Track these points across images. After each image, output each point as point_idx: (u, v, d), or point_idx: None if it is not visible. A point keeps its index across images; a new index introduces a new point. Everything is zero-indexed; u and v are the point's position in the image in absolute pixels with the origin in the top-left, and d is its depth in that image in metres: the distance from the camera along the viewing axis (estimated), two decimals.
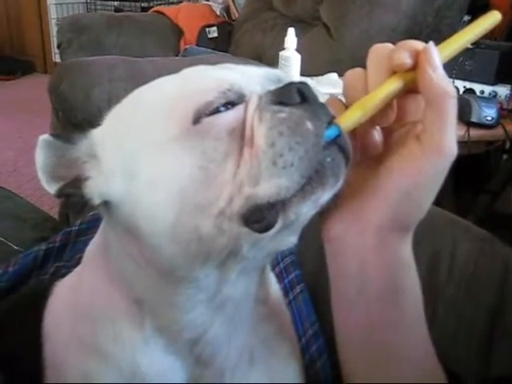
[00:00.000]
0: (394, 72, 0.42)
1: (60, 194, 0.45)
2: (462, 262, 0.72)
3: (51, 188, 0.45)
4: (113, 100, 0.47)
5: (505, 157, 1.84)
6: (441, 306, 0.69)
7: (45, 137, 0.45)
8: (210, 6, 2.95)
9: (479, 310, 0.69)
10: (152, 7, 3.19)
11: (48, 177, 0.45)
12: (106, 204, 0.45)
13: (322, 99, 0.45)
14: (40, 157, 0.45)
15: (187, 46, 2.40)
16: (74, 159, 0.46)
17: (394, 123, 0.44)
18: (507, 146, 1.78)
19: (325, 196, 0.42)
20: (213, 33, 2.65)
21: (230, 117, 0.42)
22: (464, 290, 0.70)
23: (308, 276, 0.70)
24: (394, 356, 0.46)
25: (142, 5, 4.02)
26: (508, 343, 0.66)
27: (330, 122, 0.42)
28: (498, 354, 0.66)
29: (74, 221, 0.77)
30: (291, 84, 0.43)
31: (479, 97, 1.56)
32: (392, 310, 0.45)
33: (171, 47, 2.57)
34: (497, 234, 0.76)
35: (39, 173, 0.45)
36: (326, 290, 0.48)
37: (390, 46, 0.44)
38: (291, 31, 1.56)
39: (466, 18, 2.04)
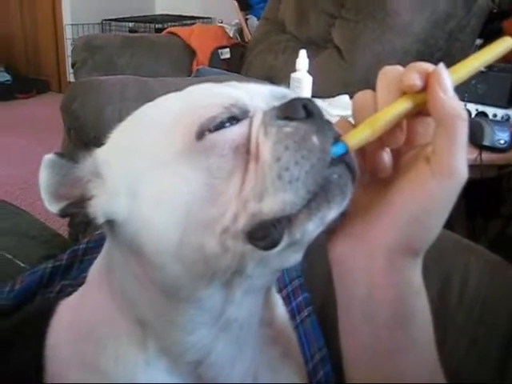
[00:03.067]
0: (403, 93, 0.42)
1: (63, 213, 0.45)
2: (474, 286, 0.71)
3: (53, 207, 0.45)
4: (124, 119, 0.47)
5: None
6: (452, 329, 0.68)
7: (49, 156, 0.45)
8: (223, 27, 2.98)
9: (492, 334, 0.68)
10: (166, 28, 3.23)
11: (50, 196, 0.45)
12: (110, 223, 0.45)
13: (334, 121, 0.44)
14: (43, 176, 0.45)
15: (199, 67, 2.42)
16: (77, 178, 0.45)
17: (404, 145, 0.44)
18: None
19: (331, 213, 0.41)
20: (225, 54, 2.68)
21: (234, 132, 0.42)
22: (476, 315, 0.69)
23: (316, 299, 0.69)
24: (403, 381, 0.45)
25: (157, 26, 4.06)
26: None
27: (337, 139, 0.41)
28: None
29: (83, 239, 0.77)
30: (296, 99, 0.43)
31: (492, 120, 1.56)
32: (401, 335, 0.44)
33: (184, 68, 2.59)
34: (509, 259, 0.75)
35: (42, 192, 0.45)
36: (333, 313, 0.47)
37: (399, 67, 0.43)
38: (303, 53, 1.57)
39: (479, 41, 2.04)
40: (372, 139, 0.42)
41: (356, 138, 0.42)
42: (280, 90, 0.48)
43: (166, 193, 0.42)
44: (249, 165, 0.41)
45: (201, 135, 0.42)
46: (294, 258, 0.44)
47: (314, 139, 0.40)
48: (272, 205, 0.39)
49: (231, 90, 0.45)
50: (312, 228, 0.41)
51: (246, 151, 0.41)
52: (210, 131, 0.42)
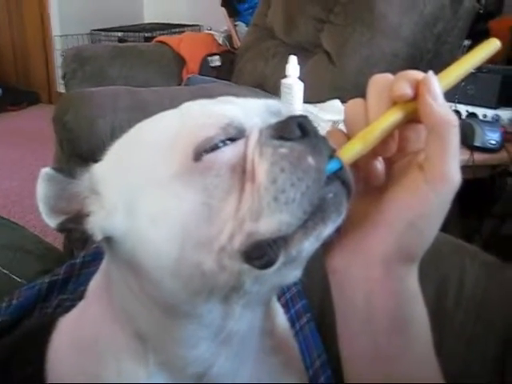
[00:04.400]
0: (394, 102, 0.42)
1: (61, 228, 0.45)
2: (471, 288, 0.71)
3: (52, 222, 0.45)
4: (116, 130, 0.47)
5: (510, 180, 1.84)
6: (450, 332, 0.69)
7: (47, 170, 0.45)
8: (212, 35, 2.99)
9: (490, 335, 0.68)
10: (155, 37, 3.23)
11: (49, 210, 0.45)
12: (108, 239, 0.45)
13: (326, 126, 0.45)
14: (41, 190, 0.45)
15: (190, 76, 2.42)
16: (75, 194, 0.46)
17: (396, 153, 0.44)
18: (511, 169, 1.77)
19: (327, 231, 0.42)
20: (215, 62, 2.68)
21: (230, 152, 0.42)
22: (473, 316, 0.69)
23: (314, 305, 0.69)
24: None
25: (146, 35, 4.06)
26: None
27: (331, 155, 0.42)
28: (511, 378, 0.65)
29: (78, 252, 0.77)
30: (292, 118, 0.43)
31: (482, 121, 1.57)
32: (400, 341, 0.44)
33: (174, 76, 2.58)
34: (504, 258, 0.76)
35: (40, 205, 0.45)
36: (332, 318, 0.48)
37: (389, 76, 0.44)
38: (293, 59, 1.57)
39: (466, 42, 2.06)
40: (365, 152, 0.42)
41: (349, 153, 0.42)
42: (275, 104, 0.48)
43: (163, 212, 0.42)
44: (245, 185, 0.41)
45: (198, 156, 0.42)
46: (293, 274, 0.44)
47: (310, 160, 0.40)
48: (268, 225, 0.39)
49: (227, 108, 0.45)
50: (308, 246, 0.41)
51: (242, 171, 0.42)
52: (207, 152, 0.42)
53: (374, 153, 0.43)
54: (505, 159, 1.51)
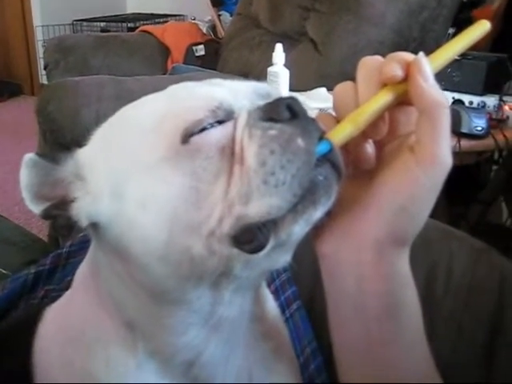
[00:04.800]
0: (384, 84, 0.42)
1: (46, 215, 0.44)
2: (459, 273, 0.71)
3: (36, 208, 0.44)
4: (101, 119, 0.46)
5: (495, 167, 1.85)
6: (439, 318, 0.69)
7: (30, 156, 0.44)
8: (196, 24, 2.97)
9: (478, 320, 0.68)
10: (138, 27, 3.20)
11: (32, 196, 0.44)
12: (95, 225, 0.44)
13: (312, 114, 0.44)
14: (24, 176, 0.44)
15: (175, 65, 2.40)
16: (59, 179, 0.45)
17: (387, 136, 0.44)
18: (497, 156, 1.79)
19: (317, 214, 0.41)
20: (200, 51, 2.66)
21: (218, 134, 0.41)
22: (462, 302, 0.69)
23: (303, 291, 0.69)
24: (395, 372, 0.45)
25: (129, 25, 4.02)
26: (509, 353, 0.65)
27: (321, 137, 0.41)
28: (499, 364, 0.65)
29: (64, 242, 0.76)
30: (280, 99, 0.42)
31: (468, 107, 1.57)
32: (391, 327, 0.44)
33: (159, 66, 2.57)
34: (490, 244, 0.76)
35: (23, 192, 0.44)
36: (322, 305, 0.47)
37: (379, 58, 0.43)
38: (279, 47, 1.56)
39: (451, 30, 2.06)
40: (356, 135, 0.42)
41: (340, 135, 0.41)
42: (263, 87, 0.47)
43: (151, 196, 0.41)
44: (234, 167, 0.40)
45: (186, 139, 0.41)
46: (283, 258, 0.44)
47: (299, 141, 0.40)
48: (258, 209, 0.39)
49: (215, 90, 0.44)
50: (298, 229, 0.41)
51: (231, 153, 0.41)
52: (195, 134, 0.41)
53: (364, 135, 0.43)
54: (491, 146, 1.51)
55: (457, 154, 1.40)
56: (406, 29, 2.01)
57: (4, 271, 0.81)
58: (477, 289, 0.70)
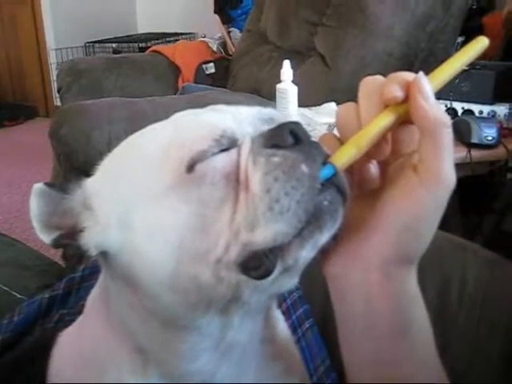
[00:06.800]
0: (386, 105, 0.42)
1: (56, 244, 0.45)
2: (473, 286, 0.71)
3: (46, 237, 0.45)
4: (113, 141, 0.46)
5: (509, 176, 1.84)
6: (453, 332, 0.68)
7: (39, 185, 0.45)
8: (206, 42, 2.99)
9: (494, 333, 0.67)
10: (150, 47, 3.23)
11: (42, 226, 0.45)
12: (104, 254, 0.45)
13: (322, 129, 0.44)
14: (34, 205, 0.45)
15: (185, 84, 2.42)
16: (68, 209, 0.45)
17: (390, 155, 0.44)
18: (510, 164, 1.77)
19: (323, 239, 0.41)
20: (210, 69, 2.68)
21: (223, 161, 0.42)
22: (477, 315, 0.69)
23: (316, 309, 0.69)
24: None
25: (140, 45, 4.07)
26: None
27: (325, 161, 0.41)
28: None
29: (79, 267, 0.76)
30: (283, 125, 0.43)
31: (478, 117, 1.56)
32: (402, 345, 0.44)
33: (169, 85, 2.59)
34: (505, 254, 0.75)
35: (33, 221, 0.44)
36: (335, 322, 0.47)
37: (380, 78, 0.43)
38: (287, 63, 1.57)
39: (460, 39, 2.06)
40: (359, 157, 0.42)
41: (343, 159, 0.41)
42: (267, 111, 0.47)
43: (158, 225, 0.42)
44: (239, 194, 0.40)
45: (191, 168, 0.41)
46: (290, 283, 0.44)
47: (303, 167, 0.40)
48: (264, 235, 0.39)
49: (218, 118, 0.45)
50: (305, 254, 0.41)
51: (236, 179, 0.41)
52: (200, 162, 0.41)
53: (367, 156, 0.43)
54: (502, 155, 1.50)
55: (468, 164, 1.39)
56: (413, 40, 2.01)
57: (19, 296, 0.82)
58: (491, 301, 0.69)
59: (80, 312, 0.55)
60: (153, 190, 0.42)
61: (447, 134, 0.40)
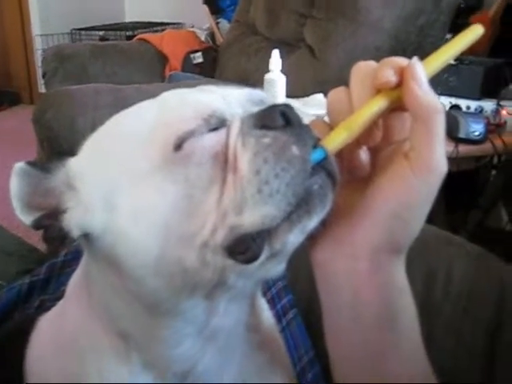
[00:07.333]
0: (378, 90, 0.41)
1: (37, 225, 0.44)
2: (458, 279, 0.71)
3: (26, 218, 0.43)
4: (98, 127, 0.45)
5: (494, 172, 1.85)
6: (438, 324, 0.68)
7: (20, 164, 0.44)
8: (194, 32, 2.97)
9: (478, 326, 0.68)
10: (137, 35, 3.20)
11: (23, 206, 0.43)
12: (87, 236, 0.44)
13: (309, 121, 0.43)
14: (15, 184, 0.43)
15: (172, 73, 2.41)
16: (50, 189, 0.44)
17: (381, 142, 0.43)
18: (495, 161, 1.78)
19: (312, 223, 0.40)
20: (198, 58, 2.66)
21: (211, 141, 0.41)
22: (461, 308, 0.69)
23: (300, 299, 0.68)
24: (393, 380, 0.44)
25: (127, 33, 4.02)
26: (509, 358, 0.65)
27: (315, 144, 0.40)
28: (502, 369, 0.64)
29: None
30: (274, 106, 0.42)
31: (466, 112, 1.57)
32: (389, 336, 0.43)
33: (157, 74, 2.57)
34: (489, 250, 0.75)
35: (13, 201, 0.43)
36: (319, 313, 0.46)
37: (373, 63, 0.42)
38: (276, 53, 1.56)
39: (449, 36, 2.06)
40: (350, 141, 0.41)
41: (334, 142, 0.41)
42: (257, 93, 0.46)
43: (144, 206, 0.40)
44: (227, 176, 0.39)
45: (178, 146, 0.40)
46: (277, 268, 0.43)
47: (294, 149, 0.39)
48: (252, 218, 0.38)
49: (208, 97, 0.43)
50: (293, 239, 0.40)
51: (224, 160, 0.40)
52: (188, 140, 0.40)
53: (358, 142, 0.42)
54: (489, 151, 1.51)
55: (454, 159, 1.39)
56: (403, 34, 2.01)
57: (0, 281, 0.80)
58: (476, 295, 0.69)
59: (61, 298, 0.54)
60: (138, 169, 0.41)
61: (440, 121, 0.40)
